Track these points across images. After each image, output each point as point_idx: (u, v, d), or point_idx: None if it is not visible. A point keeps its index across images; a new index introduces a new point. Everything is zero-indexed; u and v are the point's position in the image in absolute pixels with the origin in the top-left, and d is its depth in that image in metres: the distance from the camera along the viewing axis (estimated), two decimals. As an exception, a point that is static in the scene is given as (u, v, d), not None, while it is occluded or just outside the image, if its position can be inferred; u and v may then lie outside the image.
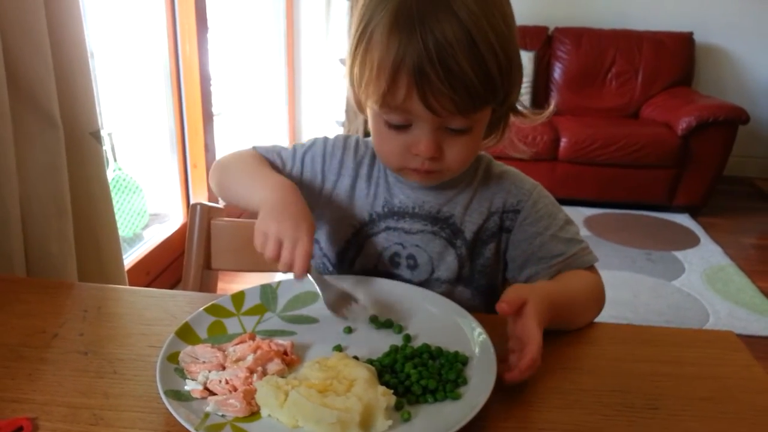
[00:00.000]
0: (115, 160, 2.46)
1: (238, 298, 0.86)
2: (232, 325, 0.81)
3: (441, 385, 0.68)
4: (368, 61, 0.79)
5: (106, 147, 2.38)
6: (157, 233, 2.59)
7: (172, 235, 2.57)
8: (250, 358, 0.71)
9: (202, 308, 0.81)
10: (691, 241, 3.56)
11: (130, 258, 2.31)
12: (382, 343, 0.78)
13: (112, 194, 1.50)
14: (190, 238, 1.12)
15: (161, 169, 2.73)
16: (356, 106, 0.90)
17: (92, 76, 1.36)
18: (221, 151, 2.83)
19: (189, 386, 0.67)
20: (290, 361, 0.73)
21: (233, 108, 3.50)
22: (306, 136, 3.99)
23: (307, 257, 0.78)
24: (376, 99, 0.81)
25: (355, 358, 0.72)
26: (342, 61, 3.60)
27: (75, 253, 1.34)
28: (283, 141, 3.96)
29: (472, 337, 0.78)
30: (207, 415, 0.63)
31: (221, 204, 1.17)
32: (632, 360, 0.78)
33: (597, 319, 0.89)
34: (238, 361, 0.71)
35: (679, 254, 3.35)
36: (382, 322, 0.83)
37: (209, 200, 2.70)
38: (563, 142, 3.92)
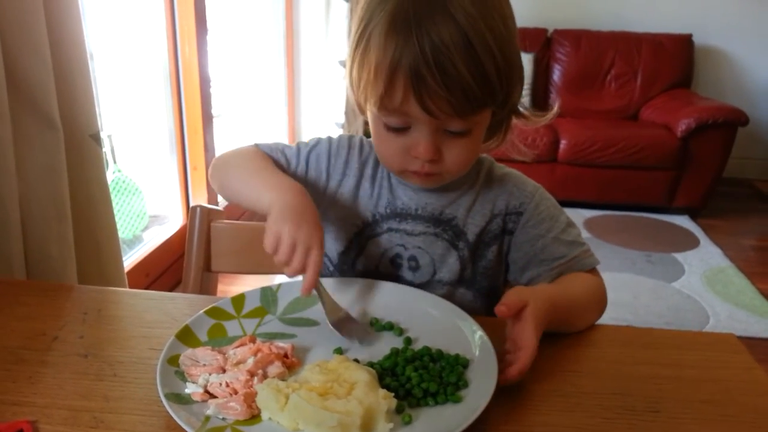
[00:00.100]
0: (115, 162, 2.45)
1: (239, 300, 0.86)
2: (232, 327, 0.81)
3: (442, 388, 0.68)
4: (366, 64, 0.79)
5: (106, 149, 2.38)
6: (156, 235, 2.59)
7: (171, 237, 2.57)
8: (250, 361, 0.71)
9: (202, 311, 0.81)
10: (691, 242, 3.56)
11: (130, 260, 2.31)
12: (383, 345, 0.78)
13: (112, 196, 1.50)
14: (189, 240, 1.12)
15: (161, 170, 2.72)
16: (357, 107, 0.90)
17: (92, 78, 1.36)
18: (221, 153, 2.82)
19: (189, 389, 0.67)
20: (291, 363, 0.73)
21: (233, 110, 3.50)
22: (306, 138, 3.97)
23: (318, 268, 0.77)
24: (374, 101, 0.81)
25: (356, 361, 0.72)
26: (342, 63, 3.59)
27: (75, 255, 1.33)
28: (283, 142, 3.95)
29: (472, 340, 0.78)
30: (207, 418, 0.63)
31: (221, 206, 1.17)
32: (633, 363, 0.78)
33: (597, 321, 0.89)
34: (238, 364, 0.71)
35: (678, 256, 3.35)
36: (383, 324, 0.83)
37: (209, 202, 2.70)
38: (563, 143, 3.92)
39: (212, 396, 0.67)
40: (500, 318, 0.74)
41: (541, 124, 0.93)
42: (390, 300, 0.88)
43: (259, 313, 0.85)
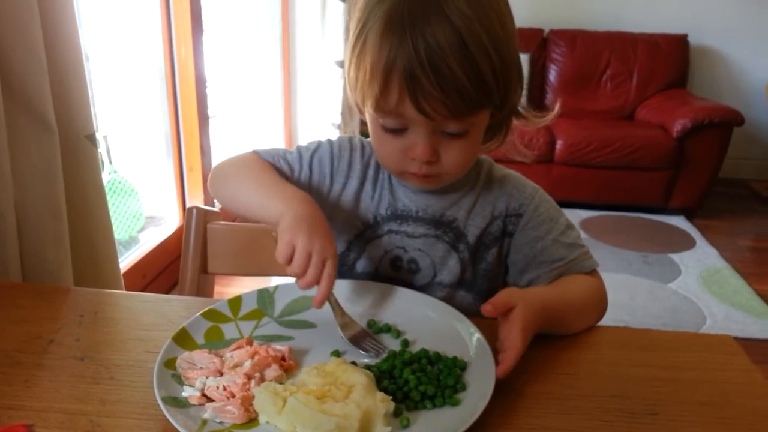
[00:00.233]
0: (111, 163, 2.45)
1: (235, 302, 0.85)
2: (229, 330, 0.81)
3: (440, 391, 0.68)
4: (362, 64, 0.79)
5: (102, 150, 2.37)
6: (153, 236, 2.58)
7: (168, 238, 2.56)
8: (247, 364, 0.70)
9: (199, 313, 0.81)
10: (687, 243, 3.56)
11: (126, 261, 2.30)
12: (381, 348, 0.78)
13: (108, 197, 1.49)
14: (186, 241, 1.12)
15: (157, 171, 2.72)
16: (355, 108, 0.90)
17: (87, 79, 1.35)
18: (217, 154, 2.82)
19: (186, 392, 0.67)
20: (288, 366, 0.73)
21: (229, 110, 3.49)
22: (302, 138, 3.98)
23: (333, 281, 0.76)
24: (370, 103, 0.81)
25: (354, 363, 0.72)
26: (338, 63, 3.60)
27: (71, 257, 1.33)
28: (280, 143, 3.95)
29: (470, 342, 0.78)
30: (205, 421, 0.63)
31: (217, 207, 1.17)
32: (631, 365, 0.78)
33: (595, 323, 0.89)
34: (235, 366, 0.71)
35: (675, 257, 3.35)
36: (380, 327, 0.83)
37: (205, 203, 2.69)
38: (559, 144, 3.92)
39: (209, 399, 0.67)
40: (492, 317, 0.74)
41: (541, 125, 0.93)
42: (387, 302, 0.88)
43: (256, 315, 0.85)
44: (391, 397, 0.65)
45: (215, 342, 0.78)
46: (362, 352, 0.77)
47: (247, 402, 0.65)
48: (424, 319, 0.84)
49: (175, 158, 2.68)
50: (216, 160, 2.77)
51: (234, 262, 1.15)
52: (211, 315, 0.82)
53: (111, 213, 1.50)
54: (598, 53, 4.47)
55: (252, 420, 0.64)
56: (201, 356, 0.72)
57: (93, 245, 1.43)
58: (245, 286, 0.95)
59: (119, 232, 2.48)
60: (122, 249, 2.43)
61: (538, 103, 4.42)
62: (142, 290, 2.26)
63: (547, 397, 0.71)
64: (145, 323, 0.85)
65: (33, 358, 0.75)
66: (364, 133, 1.00)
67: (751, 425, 0.68)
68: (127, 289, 1.70)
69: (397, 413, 0.66)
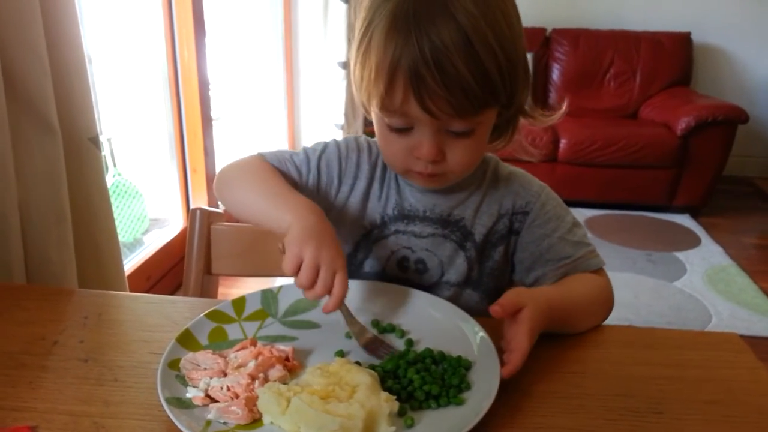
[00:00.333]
0: (115, 166, 2.45)
1: (239, 303, 0.85)
2: (233, 330, 0.81)
3: (444, 391, 0.68)
4: (368, 64, 0.79)
5: (106, 152, 2.38)
6: (157, 238, 2.59)
7: (172, 240, 2.57)
8: (251, 365, 0.70)
9: (202, 314, 0.81)
10: (692, 241, 3.55)
11: (131, 263, 2.31)
12: (385, 348, 0.78)
13: (112, 200, 1.49)
14: (190, 243, 1.12)
15: (161, 174, 2.72)
16: (361, 107, 0.89)
17: (90, 81, 1.35)
18: (221, 156, 2.83)
19: (190, 393, 0.67)
20: (292, 367, 0.73)
21: (232, 112, 3.50)
22: (305, 139, 3.98)
23: (345, 292, 0.75)
24: (376, 102, 0.81)
25: (357, 363, 0.72)
26: (340, 64, 3.59)
27: (75, 259, 1.33)
28: (283, 145, 3.95)
29: (475, 342, 0.77)
30: (209, 422, 0.63)
31: (221, 209, 1.17)
32: (636, 363, 0.78)
33: (600, 322, 0.89)
34: (239, 367, 0.71)
35: (680, 255, 3.34)
36: (384, 327, 0.82)
37: (209, 205, 2.70)
38: (563, 143, 3.92)
39: (213, 400, 0.67)
40: (500, 318, 0.74)
41: (548, 124, 0.93)
42: (391, 302, 0.87)
43: (260, 315, 0.85)
44: (395, 397, 0.65)
45: (219, 343, 0.78)
46: (377, 359, 0.76)
47: (251, 402, 0.65)
48: (428, 319, 0.84)
49: (179, 160, 2.68)
50: (219, 161, 2.78)
51: (238, 263, 1.15)
52: (215, 316, 0.82)
53: (115, 215, 1.50)
54: (601, 52, 4.46)
55: (256, 420, 0.64)
56: (205, 357, 0.72)
57: (97, 247, 1.43)
58: (249, 287, 0.95)
59: (123, 235, 2.48)
60: (126, 251, 2.43)
61: (541, 102, 4.41)
62: (147, 292, 2.27)
63: (551, 396, 0.71)
64: (149, 324, 0.85)
65: (37, 360, 0.75)
66: (368, 134, 1.00)
67: (757, 423, 0.67)
68: (131, 292, 1.70)
69: (401, 413, 0.65)
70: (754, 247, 3.59)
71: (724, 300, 2.83)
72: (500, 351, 0.73)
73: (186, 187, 2.74)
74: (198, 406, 0.66)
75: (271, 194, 0.88)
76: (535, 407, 0.69)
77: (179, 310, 0.88)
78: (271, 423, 0.64)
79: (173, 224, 2.75)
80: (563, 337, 0.82)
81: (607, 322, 0.89)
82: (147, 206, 2.63)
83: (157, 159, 2.70)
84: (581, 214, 3.89)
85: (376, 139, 0.93)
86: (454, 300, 0.87)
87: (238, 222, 1.13)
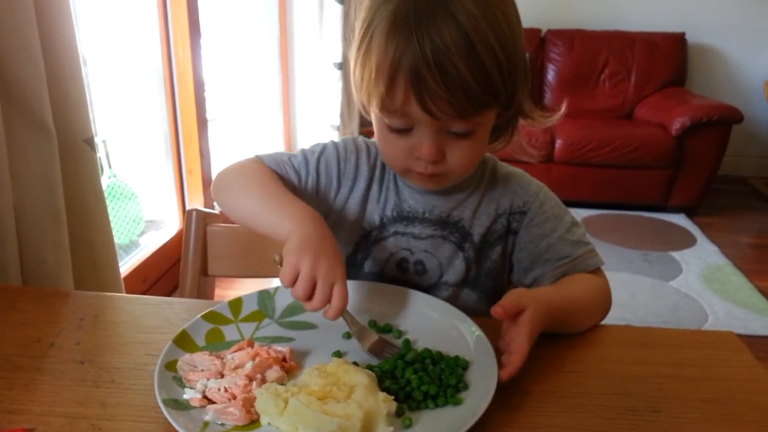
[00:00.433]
0: (110, 167, 2.45)
1: (236, 304, 0.85)
2: (230, 332, 0.81)
3: (442, 391, 0.68)
4: (368, 64, 0.79)
5: (101, 154, 2.37)
6: (153, 240, 2.58)
7: (168, 241, 2.56)
8: (248, 366, 0.70)
9: (199, 315, 0.81)
10: (688, 241, 3.56)
11: (127, 265, 2.30)
12: (382, 348, 0.78)
13: (108, 201, 1.49)
14: (186, 244, 1.12)
15: (156, 175, 2.72)
16: (361, 108, 0.89)
17: (85, 82, 1.35)
18: (216, 157, 2.82)
19: (187, 395, 0.67)
20: (289, 367, 0.72)
21: (227, 113, 3.49)
22: (301, 141, 3.98)
23: (345, 302, 0.74)
24: (376, 102, 0.80)
25: (355, 363, 0.72)
26: (336, 66, 3.59)
27: (70, 261, 1.33)
28: (279, 146, 3.95)
29: (472, 341, 0.77)
30: (206, 423, 0.63)
31: (217, 209, 1.16)
32: (633, 362, 0.78)
33: (598, 322, 0.89)
34: (236, 368, 0.71)
35: (676, 254, 3.35)
36: (382, 326, 0.82)
37: (205, 206, 2.69)
38: (558, 143, 3.92)
39: (211, 401, 0.66)
40: (501, 319, 0.74)
41: (547, 125, 0.93)
42: (388, 302, 0.87)
43: (256, 317, 0.84)
44: (393, 397, 0.65)
45: (216, 344, 0.77)
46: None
47: (249, 403, 0.65)
48: (425, 319, 0.84)
49: (174, 161, 2.68)
50: (215, 162, 2.77)
51: (234, 264, 1.15)
52: (212, 317, 0.81)
53: (111, 217, 1.50)
54: (596, 52, 4.48)
55: (254, 422, 0.64)
56: (202, 358, 0.72)
57: (93, 249, 1.43)
58: (246, 288, 0.94)
59: (119, 237, 2.48)
60: (122, 253, 2.43)
61: (537, 103, 4.41)
62: (143, 294, 2.26)
63: (549, 395, 0.71)
64: (145, 326, 0.84)
65: (33, 362, 0.75)
66: (364, 135, 1.00)
67: (755, 421, 0.68)
68: (127, 294, 1.69)
69: (399, 413, 0.65)
70: (749, 247, 3.60)
71: (720, 299, 2.83)
72: (498, 351, 0.73)
73: (182, 189, 2.73)
74: (195, 407, 0.65)
75: (270, 200, 0.87)
76: (532, 406, 0.69)
77: (176, 312, 0.87)
78: (269, 424, 0.63)
79: (169, 226, 2.74)
80: (561, 337, 0.82)
81: (604, 321, 0.89)
82: (143, 208, 2.62)
83: (153, 160, 2.70)
84: (577, 215, 3.86)
85: (374, 139, 0.92)
86: (452, 300, 0.87)
87: (233, 222, 1.13)
